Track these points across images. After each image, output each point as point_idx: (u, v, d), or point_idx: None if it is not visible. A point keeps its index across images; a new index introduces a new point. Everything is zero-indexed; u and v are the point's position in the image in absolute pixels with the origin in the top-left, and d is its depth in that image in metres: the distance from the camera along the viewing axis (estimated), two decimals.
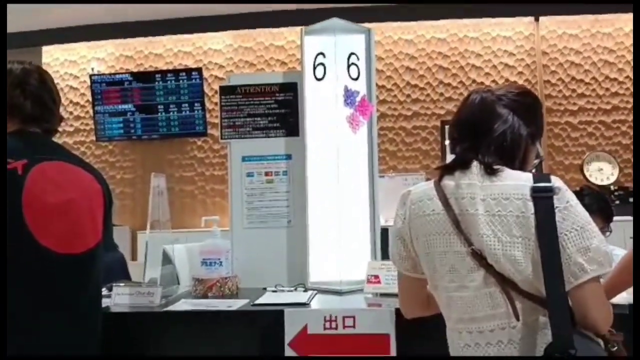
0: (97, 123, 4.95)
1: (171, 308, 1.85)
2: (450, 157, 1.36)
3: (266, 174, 2.39)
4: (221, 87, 2.48)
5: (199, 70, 4.84)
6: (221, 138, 2.46)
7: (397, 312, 1.59)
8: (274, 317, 1.71)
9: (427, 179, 1.89)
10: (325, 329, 1.68)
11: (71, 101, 5.07)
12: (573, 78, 4.67)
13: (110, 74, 4.95)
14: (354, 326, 1.68)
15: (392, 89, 4.78)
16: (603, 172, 4.48)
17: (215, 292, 2.05)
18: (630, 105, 4.58)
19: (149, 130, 4.93)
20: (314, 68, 2.26)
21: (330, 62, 2.24)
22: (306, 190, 2.23)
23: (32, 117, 1.57)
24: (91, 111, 4.99)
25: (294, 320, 1.70)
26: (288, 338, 1.69)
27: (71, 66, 5.10)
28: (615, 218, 2.51)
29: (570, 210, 1.19)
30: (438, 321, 1.35)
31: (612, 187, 4.33)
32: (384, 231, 2.15)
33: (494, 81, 4.67)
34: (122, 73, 4.95)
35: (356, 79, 2.24)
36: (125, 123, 4.94)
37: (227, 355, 1.72)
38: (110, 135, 4.98)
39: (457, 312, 1.27)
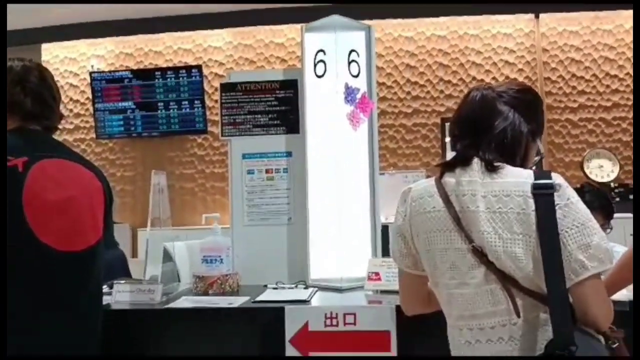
0: (97, 120, 4.95)
1: (172, 305, 1.85)
2: (450, 154, 1.36)
3: (266, 171, 2.39)
4: (221, 85, 2.47)
5: (198, 67, 4.83)
6: (221, 135, 2.46)
7: (398, 309, 1.59)
8: (274, 314, 1.72)
9: (427, 176, 1.89)
10: (326, 326, 1.69)
11: (71, 99, 5.06)
12: (573, 75, 4.67)
13: (110, 72, 4.95)
14: (354, 323, 1.68)
15: (392, 86, 4.77)
16: (603, 169, 4.48)
17: (216, 290, 2.06)
18: (630, 102, 4.58)
19: (149, 128, 4.93)
20: (315, 65, 2.26)
21: (331, 59, 2.23)
22: (306, 188, 2.23)
23: (33, 115, 1.57)
24: (91, 109, 4.98)
25: (295, 318, 1.70)
26: (289, 335, 1.69)
27: (71, 64, 5.09)
28: (615, 215, 2.51)
29: (571, 207, 1.19)
30: (439, 318, 1.35)
31: (612, 184, 4.32)
32: (384, 228, 2.15)
33: (494, 78, 4.67)
34: (122, 70, 4.94)
35: (356, 76, 2.24)
36: (126, 120, 4.93)
37: (227, 355, 1.72)
38: (110, 133, 4.97)
39: (458, 309, 1.27)
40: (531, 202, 1.19)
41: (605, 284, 1.25)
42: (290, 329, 1.69)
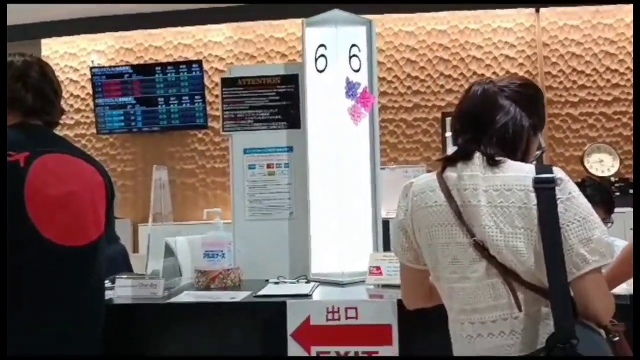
0: (97, 116, 4.94)
1: (174, 300, 1.86)
2: (451, 149, 1.37)
3: (268, 166, 2.39)
4: (222, 79, 2.47)
5: (199, 62, 4.82)
6: (222, 130, 2.46)
7: (399, 303, 1.59)
8: (276, 309, 1.72)
9: (428, 171, 1.89)
10: (327, 320, 1.69)
11: (71, 94, 5.06)
12: (574, 69, 4.66)
13: (110, 67, 4.94)
14: (356, 317, 1.69)
15: (392, 80, 4.77)
16: (603, 164, 4.48)
17: (218, 284, 2.06)
18: (631, 97, 4.57)
19: (150, 123, 4.92)
20: (316, 60, 2.26)
21: (332, 53, 2.23)
22: (308, 182, 2.24)
23: (34, 110, 1.57)
24: (91, 104, 4.97)
25: (297, 312, 1.71)
26: (291, 329, 1.69)
27: (71, 59, 5.08)
28: (615, 209, 2.52)
29: (573, 202, 1.19)
30: (440, 312, 1.36)
31: (612, 179, 4.32)
32: (385, 223, 2.16)
33: (494, 73, 4.66)
34: (122, 65, 4.93)
35: (357, 70, 2.24)
36: (126, 116, 4.93)
37: (227, 355, 1.73)
38: (110, 128, 4.96)
39: (459, 303, 1.27)
40: (533, 196, 1.19)
41: (606, 278, 1.25)
42: (292, 323, 1.70)
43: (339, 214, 2.18)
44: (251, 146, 2.41)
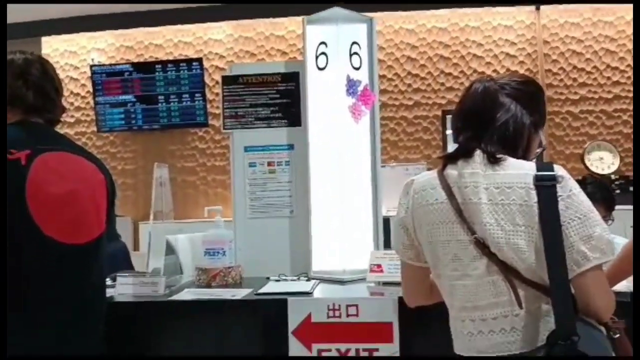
0: (97, 114, 4.94)
1: (175, 297, 1.86)
2: (452, 147, 1.37)
3: (268, 164, 2.39)
4: (223, 77, 2.47)
5: (199, 60, 4.82)
6: (223, 128, 2.46)
7: (400, 300, 1.60)
8: (277, 306, 1.72)
9: (429, 169, 1.89)
10: (328, 317, 1.70)
11: (71, 92, 5.05)
12: (574, 67, 4.66)
13: (110, 65, 4.93)
14: (357, 315, 1.69)
15: (393, 78, 4.76)
16: (604, 161, 4.47)
17: (219, 282, 2.06)
18: (631, 95, 4.57)
19: (150, 121, 4.92)
20: (316, 57, 2.26)
21: (333, 51, 2.23)
22: (308, 180, 2.24)
23: (34, 108, 1.57)
24: (92, 102, 4.97)
25: (298, 309, 1.71)
26: (292, 327, 1.70)
27: (71, 57, 5.08)
28: (615, 207, 2.52)
29: (573, 199, 1.19)
30: (441, 309, 1.36)
31: (612, 176, 4.32)
32: (386, 221, 2.16)
33: (495, 70, 4.66)
34: (122, 64, 4.93)
35: (358, 68, 2.24)
36: (126, 114, 4.93)
37: (227, 355, 1.73)
38: (111, 126, 4.96)
39: (460, 301, 1.28)
40: (533, 193, 1.19)
41: (606, 275, 1.25)
42: (293, 321, 1.70)
43: (340, 211, 2.18)
44: (252, 144, 2.41)
